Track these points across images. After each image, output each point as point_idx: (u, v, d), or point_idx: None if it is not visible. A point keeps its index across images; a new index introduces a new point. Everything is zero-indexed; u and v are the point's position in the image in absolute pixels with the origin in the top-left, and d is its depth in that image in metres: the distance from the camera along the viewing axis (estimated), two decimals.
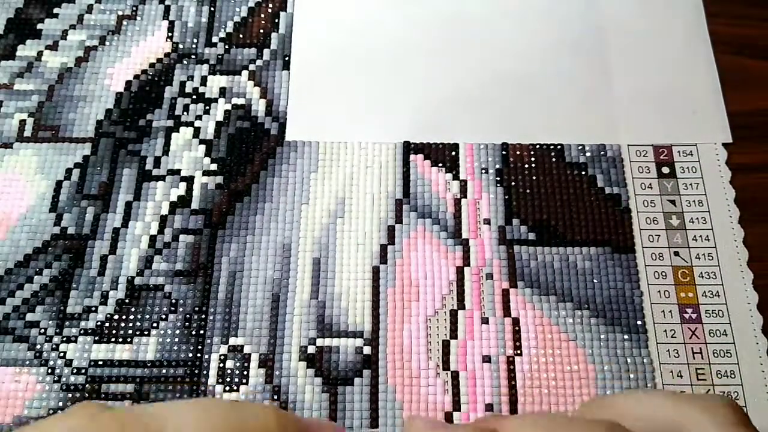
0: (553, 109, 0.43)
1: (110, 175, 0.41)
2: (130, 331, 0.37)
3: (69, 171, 0.41)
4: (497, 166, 0.41)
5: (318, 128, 0.42)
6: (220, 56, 0.45)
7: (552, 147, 0.41)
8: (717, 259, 0.38)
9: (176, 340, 0.37)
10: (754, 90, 0.43)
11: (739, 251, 0.38)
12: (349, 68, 0.44)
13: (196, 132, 0.42)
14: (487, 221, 0.39)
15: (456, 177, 0.41)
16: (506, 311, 0.37)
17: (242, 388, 0.35)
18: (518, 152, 0.41)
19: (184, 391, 0.35)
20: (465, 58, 0.44)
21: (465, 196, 0.40)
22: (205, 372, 0.36)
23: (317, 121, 0.43)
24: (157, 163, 0.41)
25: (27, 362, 0.36)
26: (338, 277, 0.38)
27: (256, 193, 0.40)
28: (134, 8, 0.46)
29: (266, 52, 0.45)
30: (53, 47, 0.45)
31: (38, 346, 0.36)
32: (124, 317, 0.37)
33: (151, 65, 0.44)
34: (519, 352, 0.36)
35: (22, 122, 0.42)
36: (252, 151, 0.42)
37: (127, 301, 0.38)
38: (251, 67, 0.44)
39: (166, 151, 0.42)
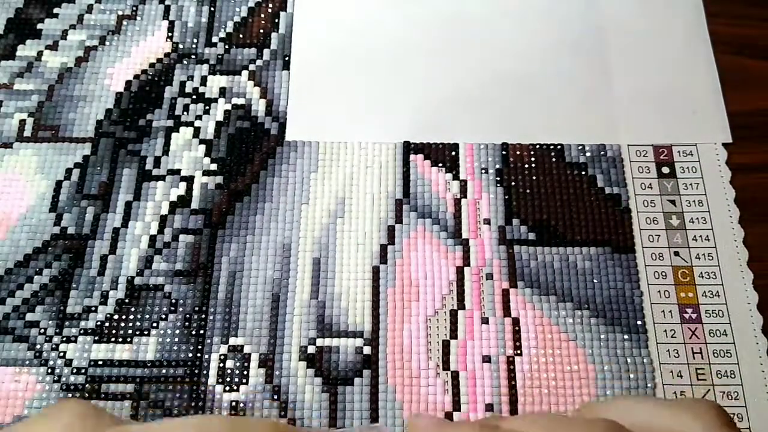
0: (553, 109, 0.43)
1: (110, 175, 0.41)
2: (130, 331, 0.37)
3: (69, 171, 0.41)
4: (497, 166, 0.41)
5: (318, 128, 0.42)
6: (220, 56, 0.45)
7: (552, 147, 0.42)
8: (717, 259, 0.38)
9: (176, 340, 0.37)
10: (754, 90, 0.43)
11: (739, 251, 0.38)
12: (349, 68, 0.44)
13: (196, 132, 0.42)
14: (487, 221, 0.39)
15: (456, 177, 0.41)
16: (506, 311, 0.37)
17: (242, 388, 0.35)
18: (518, 152, 0.41)
19: (184, 391, 0.35)
20: (465, 58, 0.44)
21: (465, 196, 0.40)
22: (205, 372, 0.36)
23: (317, 121, 0.43)
24: (157, 163, 0.41)
25: (27, 362, 0.36)
26: (338, 277, 0.38)
27: (256, 193, 0.40)
28: (134, 8, 0.46)
29: (266, 52, 0.45)
30: (53, 47, 0.45)
31: (38, 346, 0.36)
32: (124, 317, 0.37)
33: (151, 65, 0.44)
34: (519, 352, 0.36)
35: (22, 122, 0.42)
36: (252, 151, 0.42)
37: (127, 301, 0.38)
38: (251, 67, 0.44)
39: (166, 151, 0.42)
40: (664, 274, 0.38)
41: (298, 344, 0.36)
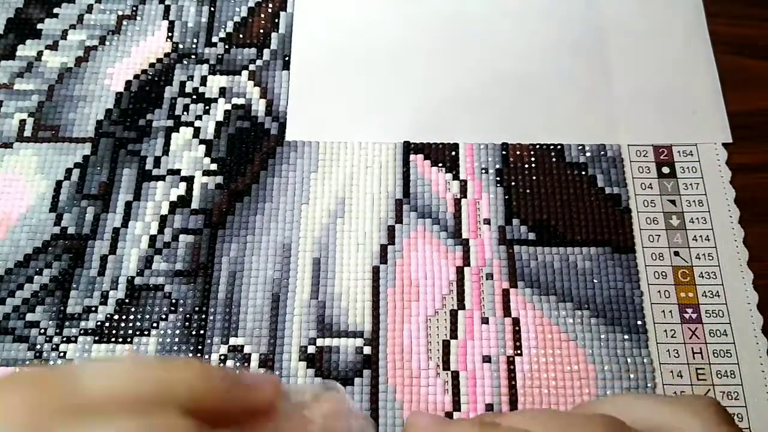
0: (553, 109, 0.43)
1: (110, 175, 0.41)
2: (130, 331, 0.37)
3: (69, 171, 0.41)
4: (497, 166, 0.41)
5: (318, 128, 0.42)
6: (220, 56, 0.45)
7: (552, 147, 0.41)
8: (717, 259, 0.38)
9: (176, 340, 0.37)
10: (754, 90, 0.43)
11: (739, 251, 0.38)
12: (349, 68, 0.44)
13: (196, 132, 0.42)
14: (487, 221, 0.39)
15: (456, 177, 0.41)
16: (506, 311, 0.37)
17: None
18: (518, 152, 0.41)
19: None
20: (465, 58, 0.44)
21: (465, 196, 0.40)
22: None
23: (317, 121, 0.42)
24: (157, 163, 0.41)
25: (27, 362, 0.36)
26: (338, 277, 0.38)
27: (256, 193, 0.40)
28: (134, 8, 0.46)
29: (266, 52, 0.45)
30: (53, 47, 0.45)
31: (38, 346, 0.36)
32: (124, 317, 0.37)
33: (151, 65, 0.44)
34: (519, 352, 0.36)
35: (22, 122, 0.42)
36: (252, 151, 0.42)
37: (127, 301, 0.38)
38: (251, 67, 0.44)
39: (166, 151, 0.42)
40: (664, 274, 0.38)
41: (298, 344, 0.36)
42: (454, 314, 0.37)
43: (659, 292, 0.37)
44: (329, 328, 0.37)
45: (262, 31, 0.46)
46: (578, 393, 0.35)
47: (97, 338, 0.37)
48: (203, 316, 0.37)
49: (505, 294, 0.37)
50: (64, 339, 0.37)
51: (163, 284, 0.38)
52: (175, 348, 0.36)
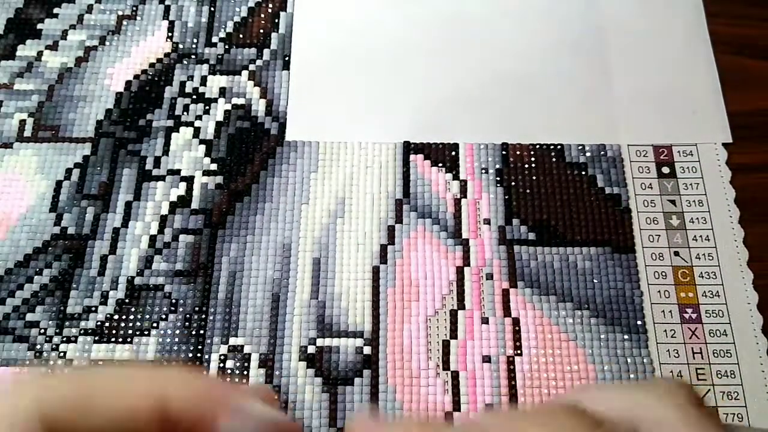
0: (553, 109, 0.43)
1: (110, 175, 0.41)
2: (130, 331, 0.37)
3: (69, 171, 0.41)
4: (497, 166, 0.41)
5: (318, 128, 0.42)
6: (220, 56, 0.45)
7: (552, 147, 0.41)
8: (717, 259, 0.38)
9: (176, 340, 0.37)
10: (754, 90, 0.43)
11: (739, 251, 0.38)
12: (349, 68, 0.44)
13: (196, 132, 0.42)
14: (487, 221, 0.39)
15: (456, 177, 0.41)
16: (506, 311, 0.37)
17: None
18: (518, 152, 0.41)
19: None
20: (465, 58, 0.44)
21: (465, 196, 0.40)
22: (205, 372, 0.36)
23: (317, 121, 0.42)
24: (157, 163, 0.41)
25: (27, 362, 0.36)
26: (338, 277, 0.38)
27: (256, 193, 0.40)
28: (134, 8, 0.46)
29: (266, 52, 0.45)
30: (53, 47, 0.45)
31: (38, 346, 0.36)
32: (124, 317, 0.37)
33: (151, 65, 0.44)
34: (519, 352, 0.36)
35: (22, 122, 0.42)
36: (252, 151, 0.42)
37: (127, 301, 0.38)
38: (251, 67, 0.44)
39: (166, 151, 0.42)
40: (664, 274, 0.38)
41: (298, 344, 0.36)
42: (454, 314, 0.37)
43: (659, 292, 0.37)
44: (329, 328, 0.37)
45: (262, 31, 0.46)
46: None
47: (97, 338, 0.37)
48: (203, 316, 0.37)
49: (505, 294, 0.37)
50: (64, 339, 0.37)
51: (163, 284, 0.38)
52: (175, 348, 0.36)
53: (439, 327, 0.37)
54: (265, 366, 0.36)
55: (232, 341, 0.37)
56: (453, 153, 0.41)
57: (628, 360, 0.36)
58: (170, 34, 0.45)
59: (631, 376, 0.35)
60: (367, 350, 0.36)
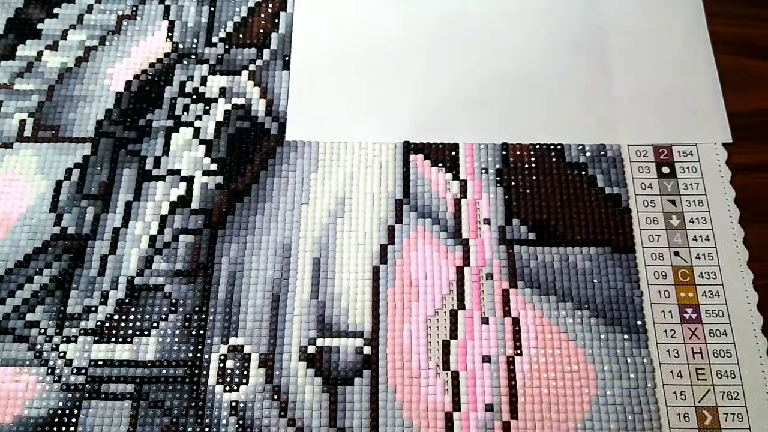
0: (553, 109, 0.43)
1: (110, 175, 0.41)
2: (130, 331, 0.37)
3: (69, 171, 0.41)
4: (497, 166, 0.41)
5: (318, 128, 0.42)
6: (220, 56, 0.45)
7: (552, 147, 0.42)
8: (717, 259, 0.38)
9: (176, 340, 0.37)
10: (754, 90, 0.43)
11: (739, 251, 0.38)
12: (349, 68, 0.44)
13: (196, 132, 0.42)
14: (487, 221, 0.39)
15: (456, 177, 0.41)
16: (506, 311, 0.37)
17: (242, 388, 0.35)
18: (518, 152, 0.41)
19: (184, 391, 0.35)
20: (465, 58, 0.44)
21: (465, 196, 0.40)
22: (205, 372, 0.36)
23: (317, 121, 0.43)
24: (157, 163, 0.41)
25: (27, 362, 0.36)
26: (338, 277, 0.38)
27: (256, 193, 0.40)
28: (134, 8, 0.46)
29: (266, 52, 0.45)
30: (53, 47, 0.45)
31: (38, 346, 0.36)
32: (124, 317, 0.37)
33: (151, 65, 0.44)
34: (519, 352, 0.36)
35: (22, 122, 0.42)
36: (252, 151, 0.42)
37: (127, 301, 0.38)
38: (251, 67, 0.44)
39: (166, 151, 0.42)
40: (664, 274, 0.38)
41: (298, 344, 0.36)
42: (454, 314, 0.37)
43: (659, 292, 0.38)
44: (329, 328, 0.37)
45: (262, 31, 0.46)
46: (578, 393, 0.35)
47: (97, 338, 0.37)
48: (203, 316, 0.37)
49: (505, 294, 0.38)
50: (64, 339, 0.37)
51: (163, 284, 0.38)
52: (175, 348, 0.36)
53: (439, 327, 0.37)
54: (265, 366, 0.36)
55: (232, 341, 0.37)
56: (453, 153, 0.41)
57: (628, 360, 0.36)
58: (170, 34, 0.45)
59: (631, 376, 0.35)
60: (367, 350, 0.36)
